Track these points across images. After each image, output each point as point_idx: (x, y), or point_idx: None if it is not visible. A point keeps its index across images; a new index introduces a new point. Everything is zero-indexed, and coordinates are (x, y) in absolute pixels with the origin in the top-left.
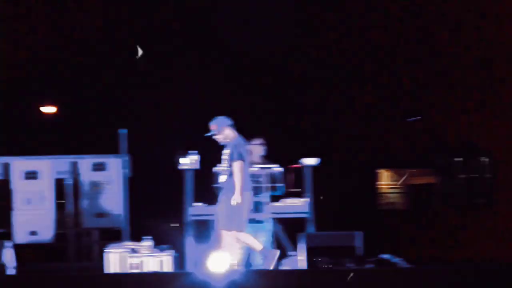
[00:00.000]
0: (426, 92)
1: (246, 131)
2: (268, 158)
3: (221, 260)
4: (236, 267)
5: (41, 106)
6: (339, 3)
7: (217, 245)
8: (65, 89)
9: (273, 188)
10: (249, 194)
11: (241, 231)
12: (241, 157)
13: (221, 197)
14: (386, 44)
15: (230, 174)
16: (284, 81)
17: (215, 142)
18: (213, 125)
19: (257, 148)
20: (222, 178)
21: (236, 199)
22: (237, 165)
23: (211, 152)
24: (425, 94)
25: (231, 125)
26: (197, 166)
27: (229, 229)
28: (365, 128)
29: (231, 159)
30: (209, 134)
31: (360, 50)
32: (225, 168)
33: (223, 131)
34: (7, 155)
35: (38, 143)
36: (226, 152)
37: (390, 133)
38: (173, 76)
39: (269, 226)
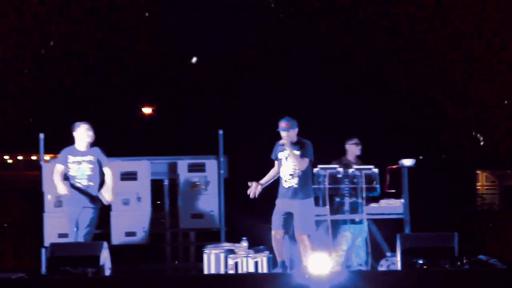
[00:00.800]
0: None
1: (343, 130)
2: (366, 158)
3: (319, 261)
4: (333, 269)
5: (139, 108)
6: None
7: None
8: (162, 90)
9: (370, 189)
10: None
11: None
12: (312, 158)
13: (296, 201)
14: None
15: (303, 176)
16: (382, 80)
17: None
18: (287, 123)
19: (352, 148)
20: (292, 181)
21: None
22: (307, 162)
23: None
24: None
25: (297, 128)
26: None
27: (306, 233)
28: (463, 128)
29: (304, 156)
30: (280, 129)
31: (471, 43)
32: (294, 170)
33: (292, 131)
34: (107, 156)
35: (136, 144)
36: (285, 154)
37: (489, 134)
38: (267, 78)
39: (364, 227)
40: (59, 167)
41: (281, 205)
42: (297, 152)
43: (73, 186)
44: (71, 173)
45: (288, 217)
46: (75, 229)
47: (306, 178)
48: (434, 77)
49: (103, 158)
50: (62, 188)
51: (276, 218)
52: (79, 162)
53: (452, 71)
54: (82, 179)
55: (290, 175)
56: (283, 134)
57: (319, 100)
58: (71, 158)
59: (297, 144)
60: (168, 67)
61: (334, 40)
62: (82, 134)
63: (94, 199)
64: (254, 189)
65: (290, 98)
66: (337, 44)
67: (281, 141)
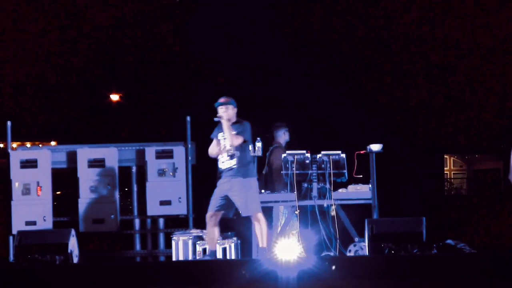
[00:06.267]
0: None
1: (311, 116)
2: (333, 144)
3: (286, 246)
4: (301, 254)
5: (106, 94)
6: None
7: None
8: (129, 77)
9: (337, 175)
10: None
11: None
12: (249, 139)
13: (236, 180)
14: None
15: (241, 157)
16: (349, 66)
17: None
18: (226, 99)
19: (284, 135)
20: (231, 162)
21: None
22: (240, 140)
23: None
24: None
25: (236, 108)
26: (260, 154)
27: (254, 213)
28: (431, 113)
29: (239, 134)
30: (217, 104)
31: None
32: (232, 150)
33: (231, 109)
34: (74, 143)
35: (103, 131)
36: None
37: (456, 118)
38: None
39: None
40: None
41: (220, 186)
42: (234, 132)
43: None
44: None
45: (227, 200)
46: None
47: (245, 159)
48: (402, 61)
49: None
50: None
51: (213, 199)
52: None
53: (420, 55)
54: None
55: (228, 156)
56: (220, 109)
57: (287, 86)
58: None
59: (236, 123)
60: (135, 53)
61: (302, 27)
62: None
63: None
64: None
65: (257, 82)
66: (305, 30)
67: (218, 114)
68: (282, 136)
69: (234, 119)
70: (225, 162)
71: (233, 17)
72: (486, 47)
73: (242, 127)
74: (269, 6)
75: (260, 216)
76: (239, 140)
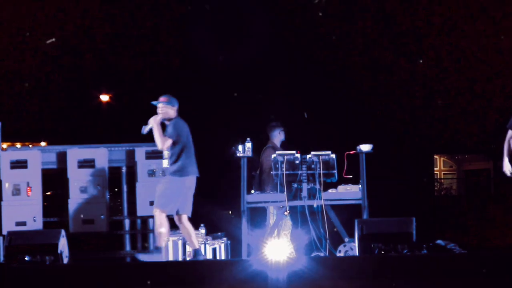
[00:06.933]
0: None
1: (302, 117)
2: (323, 144)
3: (277, 247)
4: (291, 254)
5: (96, 95)
6: None
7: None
8: (119, 78)
9: (327, 175)
10: (193, 178)
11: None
12: (179, 138)
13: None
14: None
15: (172, 156)
16: (340, 68)
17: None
18: (164, 98)
19: (280, 134)
20: (165, 162)
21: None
22: (168, 142)
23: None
24: (485, 81)
25: (177, 107)
26: (250, 154)
27: (157, 208)
28: (421, 113)
29: (167, 135)
30: (155, 103)
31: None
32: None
33: (171, 108)
34: (64, 143)
35: (94, 131)
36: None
37: (445, 119)
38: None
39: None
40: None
41: None
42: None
43: None
44: None
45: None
46: None
47: (176, 157)
48: (392, 64)
49: None
50: None
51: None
52: None
53: (410, 58)
54: None
55: (166, 156)
56: (158, 109)
57: (278, 87)
58: None
59: (171, 120)
60: (125, 54)
61: (296, 29)
62: None
63: None
64: None
65: (249, 83)
66: (299, 33)
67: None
68: (278, 136)
69: (173, 116)
70: (164, 163)
71: (227, 18)
72: (476, 51)
73: (170, 126)
74: (265, 7)
75: (156, 212)
76: (167, 143)
